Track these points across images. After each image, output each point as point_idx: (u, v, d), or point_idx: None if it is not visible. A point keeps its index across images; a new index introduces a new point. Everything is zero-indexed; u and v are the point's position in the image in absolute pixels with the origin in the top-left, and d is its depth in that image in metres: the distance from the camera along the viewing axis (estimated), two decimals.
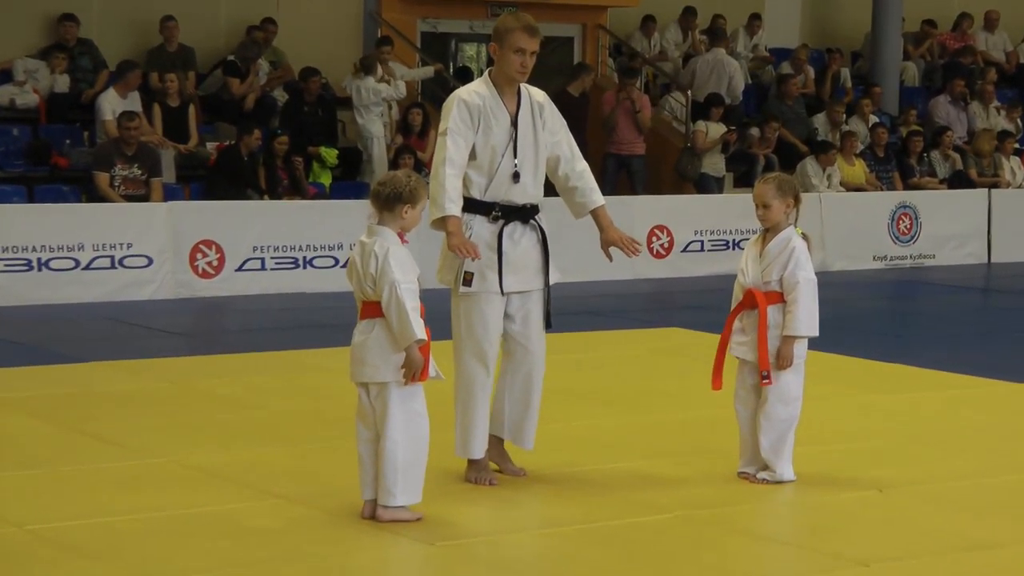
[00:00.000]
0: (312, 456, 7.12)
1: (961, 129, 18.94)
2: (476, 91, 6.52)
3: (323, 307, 12.63)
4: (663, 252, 15.26)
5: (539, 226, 6.62)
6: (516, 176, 6.48)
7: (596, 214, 6.78)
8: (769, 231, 6.73)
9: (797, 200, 6.70)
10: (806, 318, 6.57)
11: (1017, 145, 18.70)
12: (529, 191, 6.55)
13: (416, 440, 5.88)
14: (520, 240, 6.54)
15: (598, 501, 6.34)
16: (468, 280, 6.45)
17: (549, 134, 6.62)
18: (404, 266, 5.83)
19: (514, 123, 6.51)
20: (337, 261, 13.58)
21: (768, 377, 6.55)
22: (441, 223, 6.34)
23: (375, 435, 5.90)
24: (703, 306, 13.34)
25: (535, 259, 6.60)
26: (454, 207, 6.32)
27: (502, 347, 6.64)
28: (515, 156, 6.49)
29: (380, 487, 5.87)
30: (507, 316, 6.58)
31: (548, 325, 6.68)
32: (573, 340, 10.99)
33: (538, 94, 6.66)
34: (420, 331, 5.77)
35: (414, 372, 5.80)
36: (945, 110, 19.10)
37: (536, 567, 5.50)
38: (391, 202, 5.85)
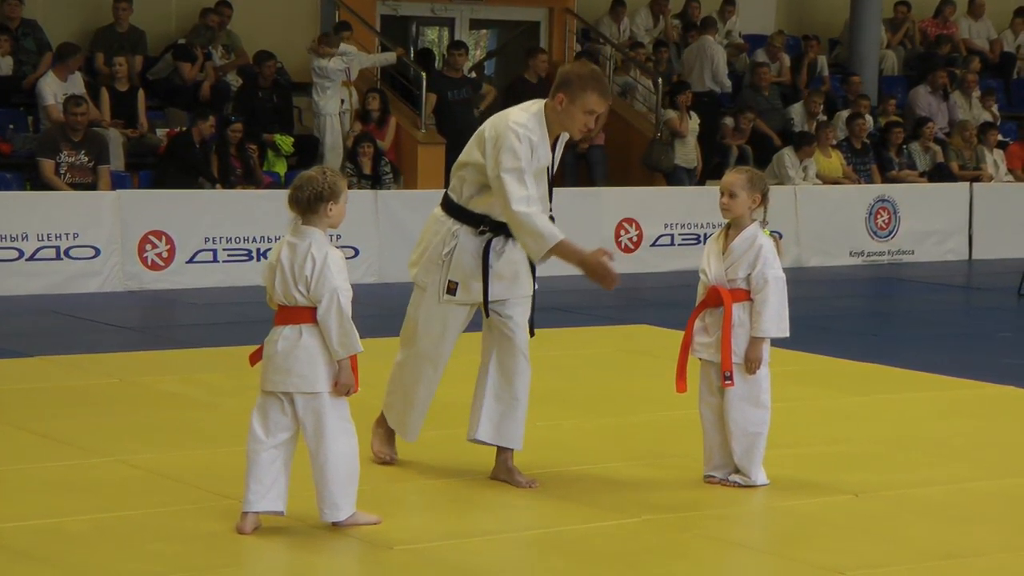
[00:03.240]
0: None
1: (942, 120, 19.04)
2: (529, 127, 6.64)
3: None
4: (631, 246, 15.31)
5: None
6: (552, 219, 6.73)
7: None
8: (732, 227, 6.73)
9: (765, 198, 6.71)
10: (776, 319, 6.62)
11: (1001, 137, 18.80)
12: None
13: (354, 449, 5.89)
14: (503, 251, 6.77)
15: (562, 505, 6.37)
16: (452, 289, 6.71)
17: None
18: (343, 272, 5.82)
19: (551, 162, 6.78)
20: None
21: (731, 378, 6.57)
22: (558, 251, 6.63)
23: (284, 443, 5.85)
24: (672, 303, 13.37)
25: (524, 266, 6.84)
26: (556, 231, 6.60)
27: (484, 348, 6.86)
28: (548, 183, 6.74)
29: (324, 501, 5.84)
30: (497, 317, 6.79)
31: (531, 333, 6.87)
32: (537, 337, 10.99)
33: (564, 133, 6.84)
34: (359, 344, 5.77)
35: (348, 387, 5.79)
36: (926, 100, 19.20)
37: (497, 573, 5.52)
38: (314, 203, 5.81)
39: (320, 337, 5.81)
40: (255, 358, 6.05)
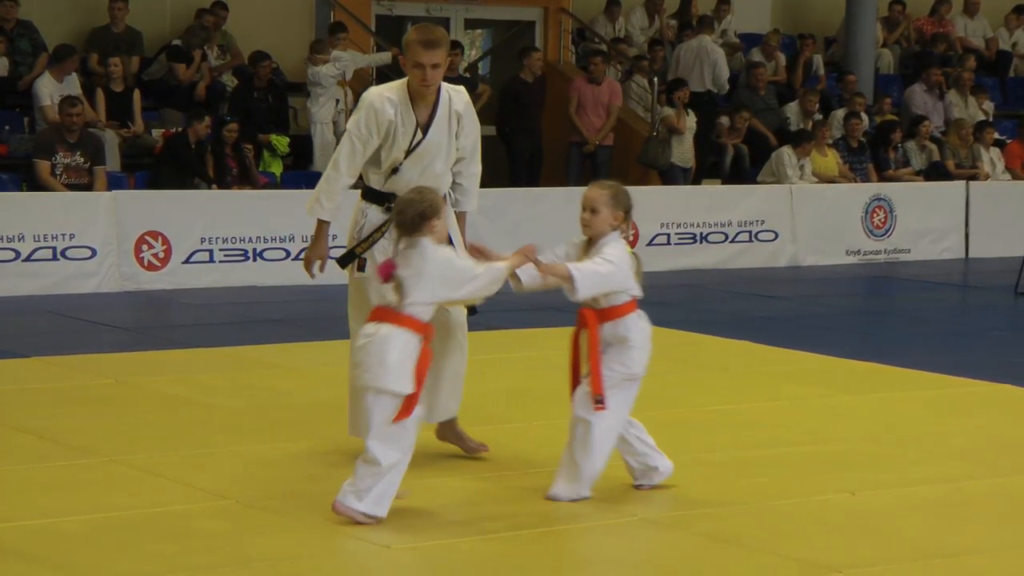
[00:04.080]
0: (261, 457, 7.13)
1: (938, 119, 19.05)
2: (389, 97, 6.87)
3: (273, 301, 12.62)
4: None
5: None
6: (396, 170, 6.85)
7: (457, 215, 7.12)
8: (591, 243, 6.55)
9: (628, 215, 6.53)
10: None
11: (997, 135, 18.80)
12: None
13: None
14: None
15: (558, 504, 6.36)
16: (362, 265, 6.92)
17: (463, 137, 7.00)
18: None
19: (424, 132, 6.88)
20: (288, 253, 13.57)
21: (602, 402, 6.39)
22: (317, 225, 6.97)
23: None
24: (668, 302, 13.39)
25: None
26: (325, 211, 6.91)
27: None
28: (423, 161, 6.86)
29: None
30: None
31: (472, 312, 7.06)
32: (533, 337, 11.03)
33: (459, 102, 6.99)
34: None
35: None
36: (922, 99, 19.21)
37: (495, 572, 5.53)
38: (419, 222, 5.96)
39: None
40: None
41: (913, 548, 5.91)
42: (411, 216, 5.97)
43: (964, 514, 6.42)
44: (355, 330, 6.91)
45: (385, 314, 5.98)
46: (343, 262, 6.98)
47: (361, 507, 5.91)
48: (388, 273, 5.99)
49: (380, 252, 6.83)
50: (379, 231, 6.91)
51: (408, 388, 5.89)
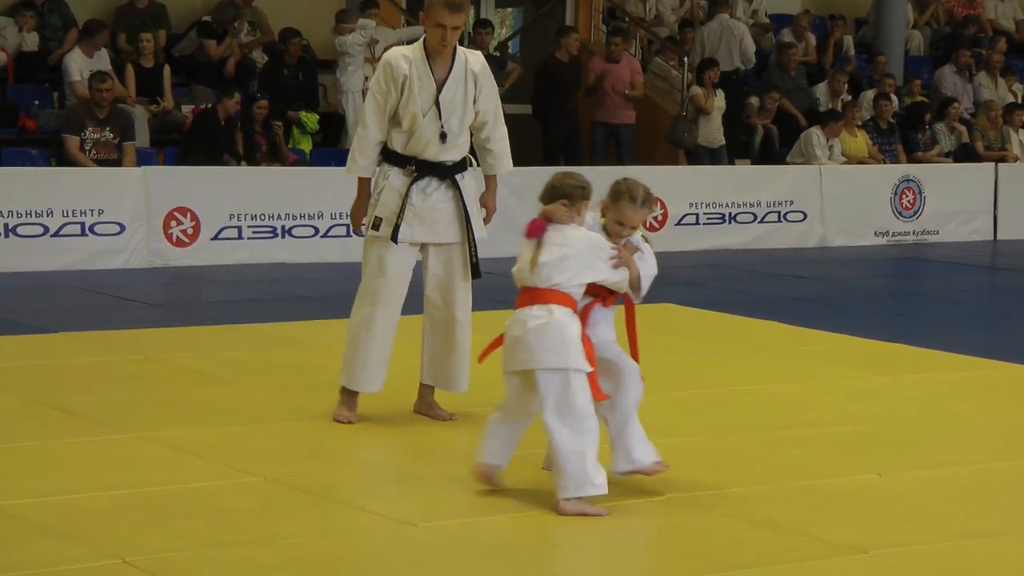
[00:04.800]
0: (289, 434, 7.13)
1: (967, 100, 18.94)
2: (405, 55, 7.14)
3: (302, 278, 12.62)
4: (656, 225, 15.26)
5: (457, 184, 7.16)
6: (444, 137, 7.09)
7: (487, 178, 7.40)
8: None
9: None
10: None
11: None
12: (446, 151, 7.14)
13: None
14: (432, 193, 7.15)
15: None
16: (377, 224, 7.15)
17: (483, 100, 7.20)
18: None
19: (440, 88, 7.08)
20: (317, 231, 13.57)
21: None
22: (358, 184, 7.23)
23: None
24: (697, 282, 13.36)
25: (446, 213, 7.16)
26: (361, 168, 7.18)
27: (424, 298, 7.27)
28: (440, 118, 7.07)
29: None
30: (425, 268, 7.24)
31: (476, 275, 7.26)
32: None
33: (476, 63, 7.20)
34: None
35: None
36: (951, 80, 19.10)
37: (520, 550, 5.52)
38: (572, 192, 5.93)
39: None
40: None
41: (940, 529, 5.88)
42: (572, 185, 5.98)
43: (992, 496, 6.39)
44: (369, 290, 7.16)
45: (549, 295, 5.88)
46: (376, 228, 7.14)
47: (584, 492, 5.81)
48: (538, 231, 5.92)
49: (409, 217, 7.09)
50: (405, 197, 7.10)
51: (588, 366, 5.85)
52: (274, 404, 7.74)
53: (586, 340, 5.93)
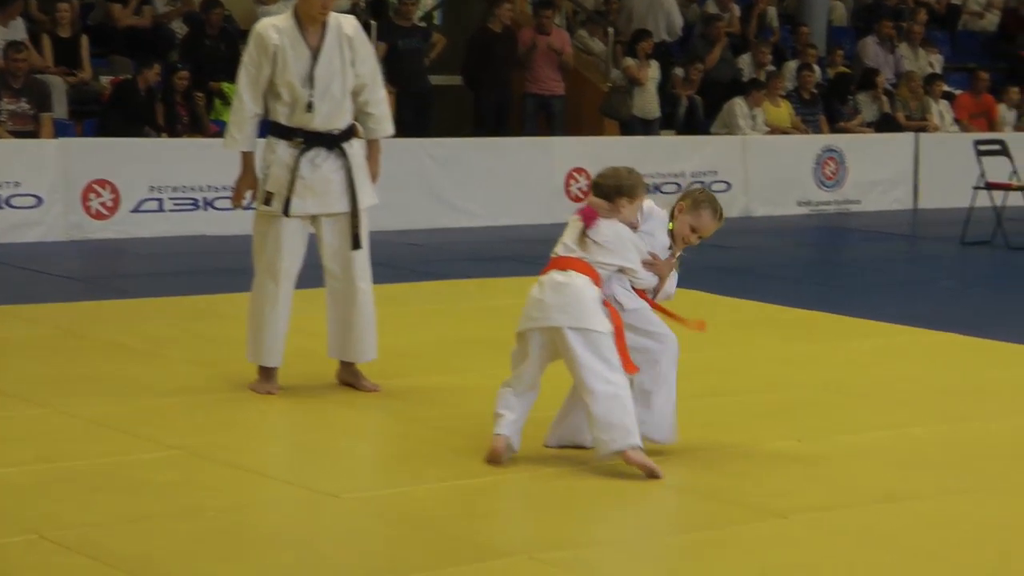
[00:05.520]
0: (210, 406, 7.10)
1: (889, 71, 19.10)
2: (276, 25, 7.12)
3: (224, 251, 12.55)
4: (581, 195, 15.29)
5: (345, 152, 7.16)
6: (310, 106, 7.04)
7: (370, 143, 7.36)
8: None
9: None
10: None
11: (946, 88, 18.88)
12: (331, 120, 7.13)
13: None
14: (321, 164, 7.13)
15: (520, 454, 6.37)
16: (268, 199, 7.11)
17: (360, 64, 7.17)
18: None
19: (315, 56, 7.06)
20: None
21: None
22: (243, 157, 7.22)
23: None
24: None
25: (337, 183, 7.15)
26: (238, 141, 7.16)
27: (323, 270, 7.26)
28: (312, 87, 7.05)
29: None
30: (319, 240, 7.22)
31: (356, 246, 7.18)
32: (486, 287, 11.02)
33: (348, 26, 7.19)
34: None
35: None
36: (874, 51, 19.24)
37: (444, 520, 5.53)
38: (612, 194, 6.15)
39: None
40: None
41: (859, 494, 5.95)
42: (610, 186, 6.17)
43: (910, 460, 6.47)
44: (268, 267, 7.15)
45: (574, 263, 6.11)
46: (267, 203, 7.12)
47: (635, 442, 5.97)
48: (589, 220, 6.16)
49: (300, 190, 7.09)
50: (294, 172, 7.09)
51: (608, 327, 6.01)
52: (195, 377, 7.70)
53: (609, 307, 6.10)
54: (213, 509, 5.55)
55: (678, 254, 6.44)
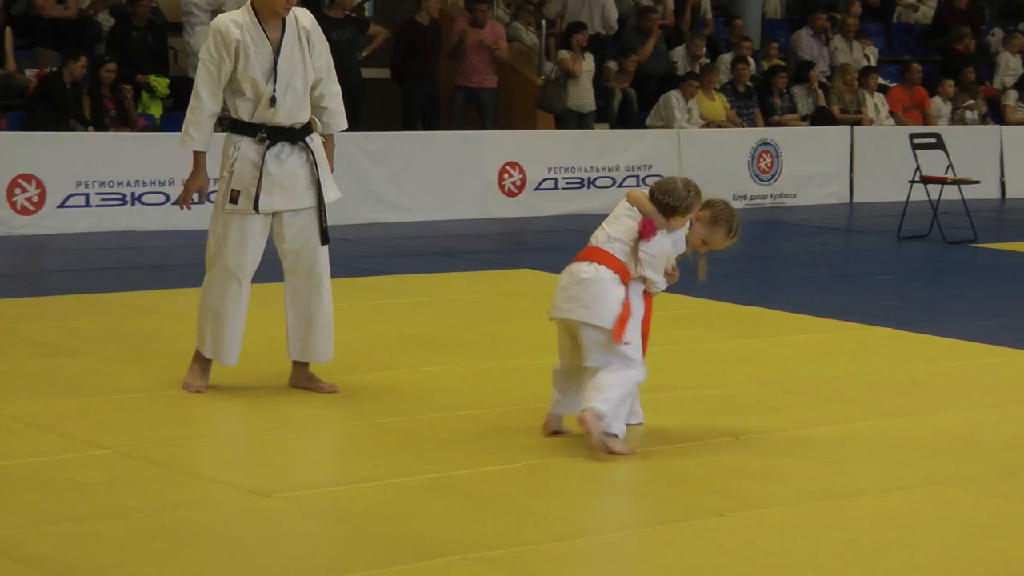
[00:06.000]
0: (138, 405, 7.03)
1: (824, 64, 19.20)
2: (235, 20, 7.06)
3: (152, 247, 12.44)
4: (515, 190, 15.29)
5: (308, 147, 7.12)
6: (273, 101, 7.00)
7: (325, 137, 7.31)
8: None
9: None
10: None
11: (881, 80, 19.00)
12: (294, 114, 7.09)
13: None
14: (287, 160, 7.09)
15: (445, 450, 6.36)
16: (234, 197, 7.03)
17: (316, 57, 7.16)
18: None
19: (276, 51, 7.03)
20: (168, 197, 13.36)
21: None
22: (194, 157, 7.12)
23: None
24: (555, 247, 13.39)
25: (303, 178, 7.12)
26: (196, 141, 7.04)
27: (283, 268, 7.19)
28: (275, 82, 7.01)
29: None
30: (280, 236, 7.13)
31: (325, 241, 7.16)
32: (418, 282, 10.99)
33: (305, 19, 7.18)
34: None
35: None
36: (808, 44, 19.33)
37: (378, 519, 5.49)
38: (666, 211, 6.41)
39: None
40: None
41: (797, 490, 5.96)
42: (666, 204, 6.38)
43: (847, 456, 6.48)
44: (231, 267, 7.04)
45: (604, 256, 6.35)
46: (234, 201, 7.04)
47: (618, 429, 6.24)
48: (647, 235, 6.38)
49: (268, 186, 7.01)
50: (260, 168, 7.02)
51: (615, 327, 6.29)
52: (123, 375, 7.62)
53: (627, 305, 6.33)
54: (141, 509, 5.49)
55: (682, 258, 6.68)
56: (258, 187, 7.02)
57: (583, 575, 4.98)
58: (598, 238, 6.46)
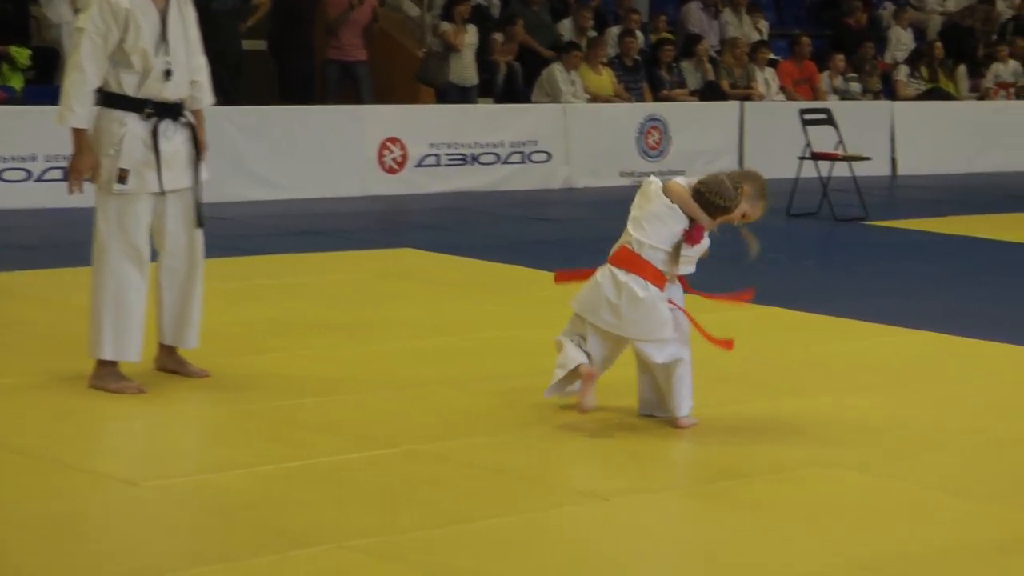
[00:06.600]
0: (4, 394, 6.91)
1: (713, 37, 19.34)
2: None
3: (14, 225, 12.25)
4: (396, 167, 15.25)
5: (190, 123, 7.01)
6: (168, 73, 6.87)
7: (196, 112, 7.14)
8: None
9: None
10: None
11: (772, 55, 19.17)
12: (182, 88, 6.97)
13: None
14: (173, 137, 6.95)
15: (317, 437, 6.33)
16: (123, 177, 6.83)
17: (191, 28, 7.09)
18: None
19: (163, 19, 6.89)
20: (30, 174, 13.17)
21: None
22: (74, 134, 6.82)
23: None
24: (438, 225, 13.40)
25: (185, 156, 7.01)
26: (79, 117, 6.77)
27: (159, 250, 7.06)
28: (167, 54, 6.87)
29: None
30: (160, 217, 6.98)
31: (201, 223, 7.07)
32: (294, 263, 10.93)
33: None
34: None
35: None
36: (697, 17, 19.47)
37: (249, 507, 5.46)
38: (710, 208, 6.61)
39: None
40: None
41: (687, 474, 6.02)
42: (716, 205, 6.58)
43: (741, 438, 6.53)
44: (127, 252, 6.85)
45: (650, 271, 6.55)
46: (123, 181, 6.82)
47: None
48: (695, 241, 6.62)
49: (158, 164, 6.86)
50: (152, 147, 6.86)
51: (672, 334, 6.60)
52: None
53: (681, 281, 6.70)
54: (8, 501, 5.43)
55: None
56: (158, 166, 6.83)
57: (462, 563, 4.98)
58: (640, 243, 6.56)
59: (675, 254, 6.60)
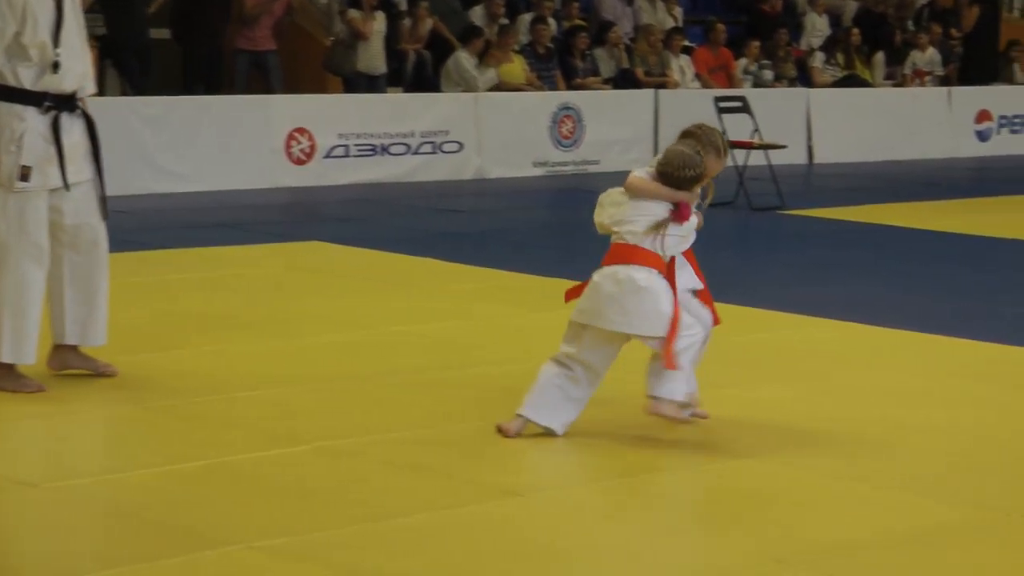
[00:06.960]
0: None
1: (627, 24, 19.41)
2: None
3: None
4: (304, 158, 15.20)
5: (85, 113, 6.97)
6: (56, 66, 6.78)
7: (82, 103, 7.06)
8: None
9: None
10: None
11: (687, 42, 19.28)
12: (76, 80, 6.90)
13: None
14: (71, 130, 6.89)
15: (227, 435, 6.32)
16: (26, 175, 6.75)
17: (80, 14, 6.98)
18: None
19: (59, 9, 6.81)
20: None
21: None
22: None
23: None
24: (348, 218, 13.38)
25: (83, 148, 6.94)
26: None
27: (59, 245, 6.95)
28: (64, 45, 6.80)
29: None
30: (58, 211, 6.89)
31: (105, 216, 7.03)
32: (200, 256, 10.88)
33: None
34: None
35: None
36: (610, 4, 19.53)
37: (155, 508, 5.44)
38: (687, 184, 6.44)
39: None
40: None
41: (596, 469, 6.05)
42: (686, 177, 6.41)
43: (653, 434, 6.57)
44: (28, 250, 6.76)
45: (650, 258, 6.41)
46: (25, 178, 6.73)
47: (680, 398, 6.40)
48: (684, 218, 6.44)
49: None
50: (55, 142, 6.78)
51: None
52: None
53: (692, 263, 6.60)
54: None
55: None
56: (60, 160, 6.77)
57: (373, 562, 4.99)
58: (632, 234, 6.49)
59: (659, 233, 6.47)
